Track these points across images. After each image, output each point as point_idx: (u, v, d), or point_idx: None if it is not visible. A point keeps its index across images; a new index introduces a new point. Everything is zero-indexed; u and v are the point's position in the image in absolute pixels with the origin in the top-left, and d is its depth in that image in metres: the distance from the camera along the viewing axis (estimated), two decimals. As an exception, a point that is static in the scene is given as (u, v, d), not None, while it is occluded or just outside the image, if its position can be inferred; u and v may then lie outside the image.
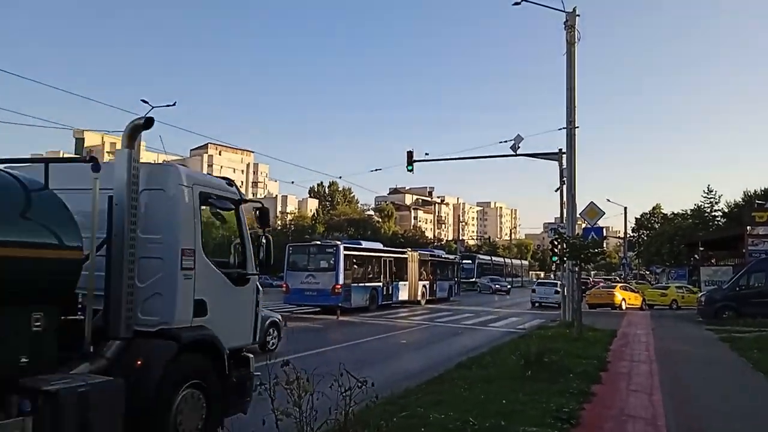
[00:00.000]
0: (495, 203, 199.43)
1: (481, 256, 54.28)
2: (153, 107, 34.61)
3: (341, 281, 25.26)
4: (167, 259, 5.58)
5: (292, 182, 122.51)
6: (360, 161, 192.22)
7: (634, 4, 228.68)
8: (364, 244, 31.46)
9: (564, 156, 21.02)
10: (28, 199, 4.43)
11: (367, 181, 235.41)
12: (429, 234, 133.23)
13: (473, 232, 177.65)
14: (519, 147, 22.51)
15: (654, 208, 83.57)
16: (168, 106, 34.11)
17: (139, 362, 5.11)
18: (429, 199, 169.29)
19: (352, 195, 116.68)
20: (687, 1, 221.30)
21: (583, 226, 20.38)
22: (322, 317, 23.24)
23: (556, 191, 22.08)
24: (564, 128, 20.18)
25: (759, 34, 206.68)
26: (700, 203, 62.96)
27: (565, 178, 20.81)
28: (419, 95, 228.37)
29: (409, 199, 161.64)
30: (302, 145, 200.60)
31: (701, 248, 37.35)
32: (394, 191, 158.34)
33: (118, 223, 5.22)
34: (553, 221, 40.50)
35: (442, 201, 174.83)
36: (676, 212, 70.51)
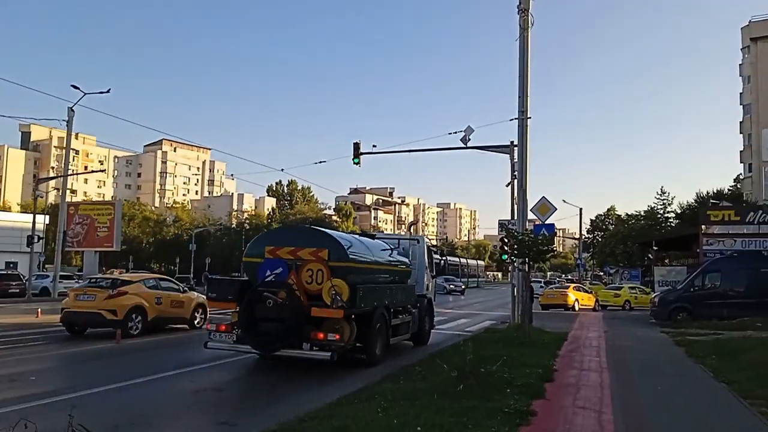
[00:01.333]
0: (455, 204, 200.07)
1: (434, 256, 53.28)
2: (85, 93, 32.51)
3: None
4: (420, 269, 15.42)
5: (231, 176, 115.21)
6: (316, 159, 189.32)
7: (591, 6, 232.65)
8: None
9: (516, 149, 19.84)
10: (398, 251, 14.85)
11: (325, 180, 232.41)
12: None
13: (433, 232, 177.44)
14: (470, 139, 21.26)
15: (608, 210, 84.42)
16: (102, 93, 32.18)
17: (418, 305, 14.65)
18: (389, 199, 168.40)
19: (311, 194, 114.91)
20: (645, 2, 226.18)
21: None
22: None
23: (507, 186, 20.91)
24: (515, 119, 19.00)
25: (712, 39, 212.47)
26: (653, 204, 63.37)
27: (516, 173, 19.63)
28: (374, 91, 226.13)
29: (369, 199, 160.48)
30: (257, 144, 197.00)
31: (655, 248, 36.91)
32: (355, 191, 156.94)
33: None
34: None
35: (403, 201, 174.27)
36: (630, 213, 70.96)
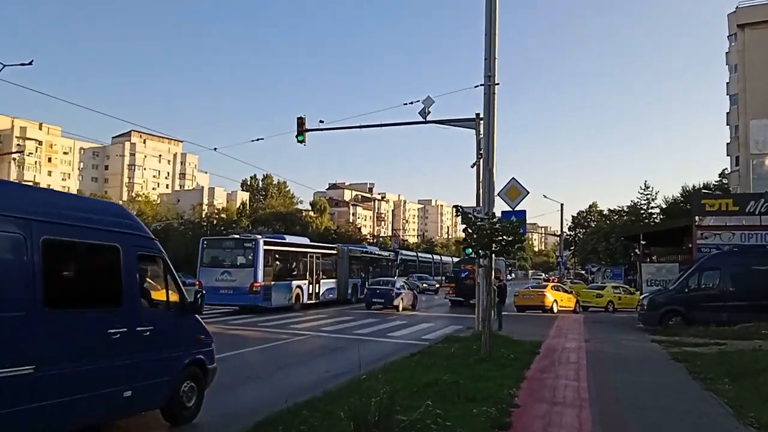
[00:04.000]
0: (436, 201, 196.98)
1: (405, 252, 50.07)
2: (4, 65, 28.79)
3: (260, 279, 23.45)
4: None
5: (205, 171, 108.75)
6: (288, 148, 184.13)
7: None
8: (288, 239, 29.27)
9: (482, 123, 16.71)
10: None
11: (304, 175, 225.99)
12: (366, 231, 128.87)
13: (414, 229, 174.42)
14: (429, 112, 18.15)
15: (590, 206, 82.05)
16: (23, 64, 28.39)
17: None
18: (369, 195, 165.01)
19: (287, 189, 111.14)
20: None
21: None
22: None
23: (472, 167, 17.78)
24: (481, 85, 15.88)
25: (698, 27, 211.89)
26: (636, 200, 60.91)
27: (482, 150, 16.50)
28: (329, 67, 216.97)
29: (348, 195, 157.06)
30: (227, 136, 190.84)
31: (643, 242, 33.96)
32: (333, 187, 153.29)
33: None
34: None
35: (383, 198, 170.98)
36: (612, 209, 68.55)
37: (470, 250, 16.21)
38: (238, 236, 28.95)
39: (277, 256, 25.93)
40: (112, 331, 5.74)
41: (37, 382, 4.84)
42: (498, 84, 15.65)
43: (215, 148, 22.04)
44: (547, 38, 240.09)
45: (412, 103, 17.96)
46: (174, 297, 6.94)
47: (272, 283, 24.47)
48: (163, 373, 6.49)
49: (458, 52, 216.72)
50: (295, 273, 26.89)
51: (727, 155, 56.01)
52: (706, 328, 16.75)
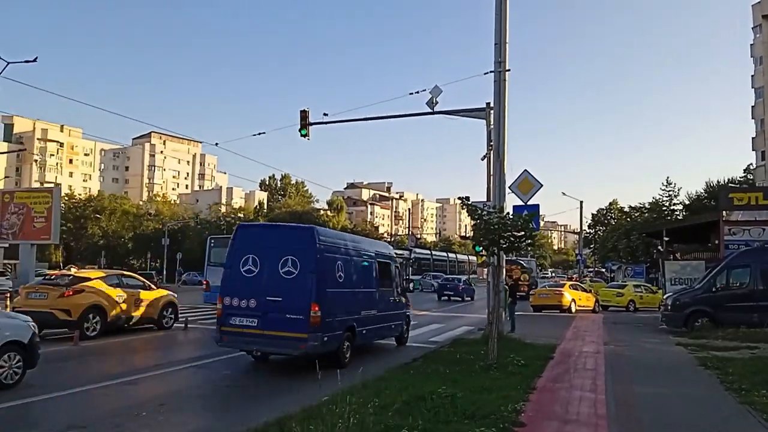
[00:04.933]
0: (454, 200, 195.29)
1: (419, 250, 48.90)
2: (8, 63, 28.35)
3: None
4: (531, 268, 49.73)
5: (224, 171, 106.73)
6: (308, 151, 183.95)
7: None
8: None
9: (492, 112, 15.70)
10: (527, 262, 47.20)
11: (324, 174, 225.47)
12: (383, 230, 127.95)
13: (432, 228, 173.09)
14: (437, 102, 17.20)
15: (611, 204, 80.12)
16: (27, 62, 27.98)
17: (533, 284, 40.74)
18: (386, 194, 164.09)
19: (305, 189, 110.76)
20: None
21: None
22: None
23: (482, 159, 16.76)
24: (491, 72, 14.89)
25: (722, 18, 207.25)
26: (658, 196, 59.19)
27: (493, 141, 15.48)
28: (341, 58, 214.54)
29: (366, 194, 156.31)
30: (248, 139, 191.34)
31: (666, 238, 32.50)
32: (351, 186, 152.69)
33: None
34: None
35: (401, 197, 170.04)
36: (633, 206, 66.78)
37: (480, 247, 15.23)
38: None
39: None
40: (390, 298, 13.48)
41: (377, 317, 12.59)
42: (509, 70, 14.68)
43: (216, 143, 21.15)
44: (566, 33, 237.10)
45: (418, 92, 17.08)
46: (401, 284, 14.52)
47: None
48: (400, 319, 14.10)
49: (469, 42, 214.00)
50: None
51: (753, 150, 54.15)
52: (735, 330, 15.59)
